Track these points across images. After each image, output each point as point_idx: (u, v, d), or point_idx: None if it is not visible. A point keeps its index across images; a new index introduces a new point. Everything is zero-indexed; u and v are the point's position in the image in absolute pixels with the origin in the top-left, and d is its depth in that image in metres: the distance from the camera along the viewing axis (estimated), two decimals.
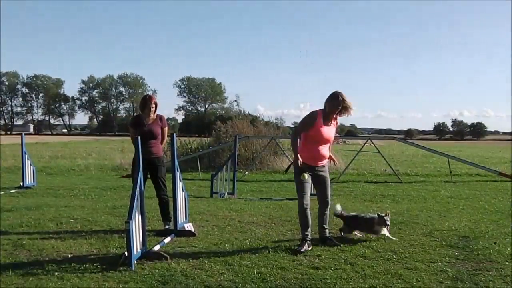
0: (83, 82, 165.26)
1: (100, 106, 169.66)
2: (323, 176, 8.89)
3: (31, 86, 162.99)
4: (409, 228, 10.27)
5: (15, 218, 11.16)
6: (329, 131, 8.66)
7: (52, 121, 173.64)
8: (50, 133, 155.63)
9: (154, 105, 9.91)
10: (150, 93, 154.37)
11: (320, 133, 8.56)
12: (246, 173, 23.08)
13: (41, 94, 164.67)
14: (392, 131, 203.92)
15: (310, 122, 8.56)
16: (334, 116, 8.67)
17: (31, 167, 17.92)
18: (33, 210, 12.32)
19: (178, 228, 9.50)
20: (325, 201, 8.98)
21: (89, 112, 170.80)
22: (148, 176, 9.86)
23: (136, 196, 7.64)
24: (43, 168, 26.03)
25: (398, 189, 18.12)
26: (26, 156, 17.64)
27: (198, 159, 24.55)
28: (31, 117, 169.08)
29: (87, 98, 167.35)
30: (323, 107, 8.60)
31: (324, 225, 9.03)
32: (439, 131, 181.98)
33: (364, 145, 25.65)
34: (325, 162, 8.89)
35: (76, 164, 29.81)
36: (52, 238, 9.20)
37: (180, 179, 9.77)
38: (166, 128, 10.26)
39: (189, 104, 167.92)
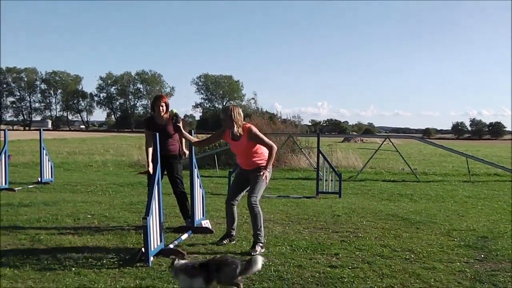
0: (101, 78, 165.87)
1: (117, 103, 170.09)
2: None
3: (49, 83, 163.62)
4: (427, 228, 10.21)
5: (33, 213, 11.19)
6: (237, 145, 8.65)
7: (70, 117, 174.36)
8: (68, 129, 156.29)
9: (164, 104, 9.83)
10: (168, 90, 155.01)
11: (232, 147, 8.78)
12: None
13: (59, 90, 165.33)
14: (410, 130, 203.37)
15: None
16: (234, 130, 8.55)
17: (49, 162, 17.96)
18: (51, 205, 12.35)
19: (195, 225, 9.49)
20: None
21: (106, 108, 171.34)
22: (165, 173, 9.83)
23: (153, 192, 7.64)
24: (61, 164, 26.13)
25: (416, 188, 18.06)
26: (45, 151, 17.68)
27: (215, 156, 24.55)
28: (49, 113, 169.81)
29: (105, 94, 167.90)
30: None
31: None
32: (457, 130, 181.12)
33: (382, 143, 25.56)
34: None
35: (93, 160, 29.91)
36: (69, 233, 9.22)
37: (197, 176, 9.76)
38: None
39: (206, 101, 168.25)
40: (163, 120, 9.79)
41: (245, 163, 8.69)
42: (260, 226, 8.47)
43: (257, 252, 8.10)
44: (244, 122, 8.59)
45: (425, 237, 9.39)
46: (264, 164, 8.45)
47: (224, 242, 8.75)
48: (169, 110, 9.49)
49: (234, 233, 8.93)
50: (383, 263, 7.54)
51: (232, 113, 8.38)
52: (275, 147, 8.48)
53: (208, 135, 10.07)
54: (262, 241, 8.44)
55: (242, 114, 8.63)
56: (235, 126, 8.39)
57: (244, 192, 8.89)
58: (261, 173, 8.37)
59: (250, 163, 8.60)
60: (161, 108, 9.75)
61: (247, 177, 8.70)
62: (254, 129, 8.51)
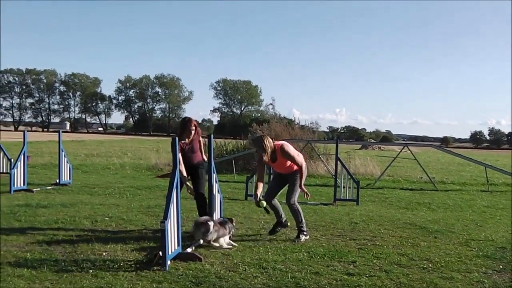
0: (120, 81, 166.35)
1: (136, 106, 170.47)
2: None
3: (68, 85, 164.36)
4: (445, 237, 10.17)
5: (51, 215, 11.25)
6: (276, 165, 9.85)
7: (88, 119, 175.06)
8: (86, 131, 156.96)
9: (194, 128, 10.06)
10: (186, 94, 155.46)
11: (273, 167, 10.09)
12: None
13: (78, 93, 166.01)
14: (428, 138, 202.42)
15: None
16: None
17: (68, 164, 18.01)
18: (69, 207, 12.41)
19: None
20: None
21: (125, 111, 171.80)
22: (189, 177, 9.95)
23: (172, 196, 7.65)
24: (79, 166, 26.21)
25: (434, 197, 17.98)
26: (63, 153, 17.73)
27: (233, 161, 24.55)
28: (67, 115, 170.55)
29: (123, 97, 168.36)
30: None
31: None
32: (476, 139, 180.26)
33: (400, 151, 25.49)
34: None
35: (111, 162, 29.98)
36: (87, 235, 9.26)
37: (216, 181, 9.78)
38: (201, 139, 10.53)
39: (224, 106, 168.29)
40: (190, 140, 10.08)
41: (282, 170, 9.76)
42: (301, 220, 9.72)
43: (302, 240, 9.48)
44: (275, 142, 9.63)
45: (443, 246, 9.35)
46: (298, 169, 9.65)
47: (277, 230, 9.95)
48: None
49: (284, 219, 10.04)
50: (401, 272, 7.51)
51: (263, 143, 9.37)
52: (304, 165, 9.72)
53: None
54: (305, 230, 9.77)
55: (271, 141, 9.53)
56: (267, 153, 9.39)
57: (281, 191, 10.06)
58: (297, 177, 9.65)
59: (286, 169, 9.73)
60: (192, 131, 10.08)
61: (286, 179, 9.82)
62: (286, 148, 9.50)
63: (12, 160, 17.61)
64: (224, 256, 8.09)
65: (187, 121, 10.09)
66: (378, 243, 9.45)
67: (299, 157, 9.66)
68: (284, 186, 9.93)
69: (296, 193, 9.73)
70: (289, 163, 9.51)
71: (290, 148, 9.45)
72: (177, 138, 8.35)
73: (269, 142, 9.40)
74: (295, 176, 9.58)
